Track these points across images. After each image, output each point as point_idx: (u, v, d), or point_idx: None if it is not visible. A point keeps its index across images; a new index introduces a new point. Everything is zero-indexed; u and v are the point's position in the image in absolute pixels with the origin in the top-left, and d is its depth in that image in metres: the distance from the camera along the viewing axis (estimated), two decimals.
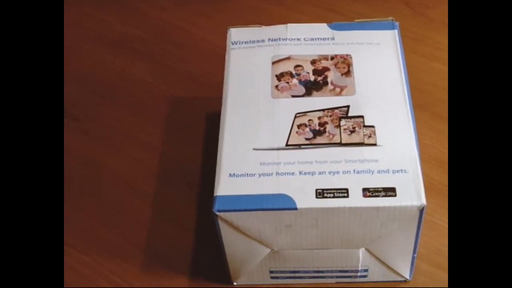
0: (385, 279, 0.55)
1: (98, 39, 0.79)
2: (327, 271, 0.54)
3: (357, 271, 0.54)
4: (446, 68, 0.72)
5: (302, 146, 0.51)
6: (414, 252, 0.52)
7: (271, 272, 0.54)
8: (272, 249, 0.52)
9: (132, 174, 0.65)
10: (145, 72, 0.75)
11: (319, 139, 0.51)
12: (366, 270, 0.54)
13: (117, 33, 0.80)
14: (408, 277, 0.55)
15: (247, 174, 0.49)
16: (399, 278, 0.55)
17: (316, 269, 0.54)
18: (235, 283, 0.56)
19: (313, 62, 0.56)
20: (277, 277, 0.55)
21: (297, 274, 0.55)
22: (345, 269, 0.54)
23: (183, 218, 0.62)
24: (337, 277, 0.55)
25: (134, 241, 0.61)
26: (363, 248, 0.52)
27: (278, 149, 0.51)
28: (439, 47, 0.74)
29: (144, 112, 0.71)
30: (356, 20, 0.59)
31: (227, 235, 0.50)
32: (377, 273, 0.54)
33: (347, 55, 0.56)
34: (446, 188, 0.62)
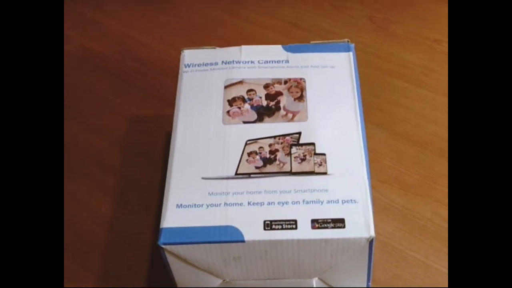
0: None
1: None
2: None
3: None
4: (409, 86, 0.71)
5: (251, 175, 0.50)
6: (368, 280, 0.52)
7: None
8: (224, 280, 0.51)
9: (89, 195, 0.64)
10: (106, 88, 0.74)
11: (269, 168, 0.50)
12: None
13: (79, 48, 0.79)
14: None
15: (195, 205, 0.48)
16: None
17: None
18: None
19: (266, 86, 0.55)
20: None
21: None
22: None
23: (139, 241, 0.61)
24: None
25: (88, 266, 0.59)
26: (317, 278, 0.51)
27: (227, 178, 0.50)
28: (403, 64, 0.73)
29: (103, 130, 0.70)
30: (312, 42, 0.58)
31: (176, 266, 0.49)
32: None
33: (300, 79, 0.55)
34: (406, 211, 0.61)
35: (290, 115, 0.53)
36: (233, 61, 0.57)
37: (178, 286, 0.52)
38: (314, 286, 0.51)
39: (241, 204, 0.48)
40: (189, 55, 0.58)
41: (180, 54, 0.59)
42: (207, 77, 0.56)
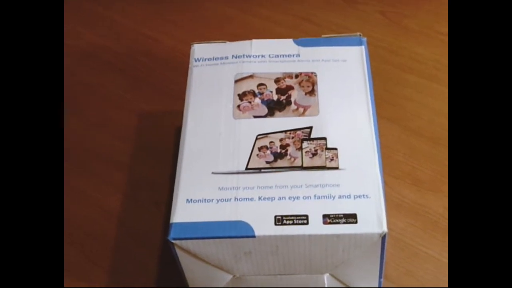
0: None
1: (69, 51, 0.77)
2: None
3: None
4: (422, 81, 0.70)
5: (262, 170, 0.49)
6: (380, 276, 0.51)
7: None
8: (234, 275, 0.50)
9: (98, 192, 0.64)
10: (115, 84, 0.74)
11: (280, 163, 0.49)
12: None
13: (88, 45, 0.78)
14: None
15: (205, 199, 0.48)
16: None
17: None
18: None
19: (277, 80, 0.54)
20: None
21: None
22: None
23: (149, 237, 0.60)
24: None
25: (98, 262, 0.59)
26: (328, 274, 0.50)
27: (238, 173, 0.49)
28: (416, 58, 0.72)
29: (112, 126, 0.69)
30: (323, 36, 0.57)
31: (186, 262, 0.49)
32: None
33: (312, 73, 0.55)
34: (418, 206, 0.60)
35: (301, 110, 0.52)
36: (243, 55, 0.56)
37: (187, 282, 0.51)
38: (325, 281, 0.51)
39: (251, 199, 0.48)
40: (199, 49, 0.57)
41: (190, 49, 0.58)
42: (217, 71, 0.55)
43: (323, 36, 0.57)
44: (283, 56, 0.56)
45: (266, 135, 0.51)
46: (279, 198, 0.47)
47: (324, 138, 0.50)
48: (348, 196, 0.47)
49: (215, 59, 0.56)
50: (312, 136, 0.51)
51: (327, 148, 0.50)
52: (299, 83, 0.54)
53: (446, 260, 0.56)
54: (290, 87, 0.54)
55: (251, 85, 0.54)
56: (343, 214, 0.46)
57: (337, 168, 0.49)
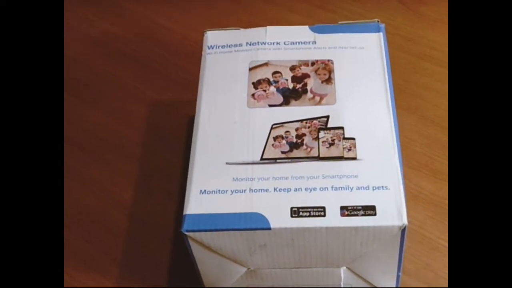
0: None
1: (80, 39, 0.76)
2: None
3: None
4: (440, 69, 0.68)
5: (277, 160, 0.48)
6: (398, 270, 0.50)
7: None
8: (248, 268, 0.49)
9: (111, 182, 0.63)
10: (127, 74, 0.72)
11: (296, 153, 0.48)
12: None
13: (101, 33, 0.77)
14: None
15: (219, 190, 0.47)
16: None
17: (296, 287, 0.51)
18: None
19: (292, 68, 0.53)
20: None
21: None
22: (327, 287, 0.51)
23: (161, 228, 0.59)
24: None
25: (111, 253, 0.58)
26: (345, 267, 0.49)
27: (253, 163, 0.48)
28: (434, 46, 0.70)
29: (125, 116, 0.68)
30: (340, 22, 0.56)
31: (199, 254, 0.48)
32: None
33: (328, 60, 0.53)
34: (437, 198, 0.59)
35: (317, 98, 0.51)
36: (258, 42, 0.55)
37: (200, 273, 0.50)
38: (342, 275, 0.49)
39: (267, 190, 0.46)
40: (212, 37, 0.56)
41: (202, 37, 0.57)
42: (231, 59, 0.54)
43: (340, 22, 0.56)
44: (298, 43, 0.55)
45: (281, 124, 0.50)
46: (295, 190, 0.46)
47: (342, 128, 0.49)
48: (367, 188, 0.46)
49: (229, 46, 0.55)
50: (329, 125, 0.49)
51: (344, 138, 0.48)
52: (316, 71, 0.53)
53: None
54: (306, 75, 0.52)
55: (266, 73, 0.53)
56: (362, 206, 0.45)
57: (355, 158, 0.47)
